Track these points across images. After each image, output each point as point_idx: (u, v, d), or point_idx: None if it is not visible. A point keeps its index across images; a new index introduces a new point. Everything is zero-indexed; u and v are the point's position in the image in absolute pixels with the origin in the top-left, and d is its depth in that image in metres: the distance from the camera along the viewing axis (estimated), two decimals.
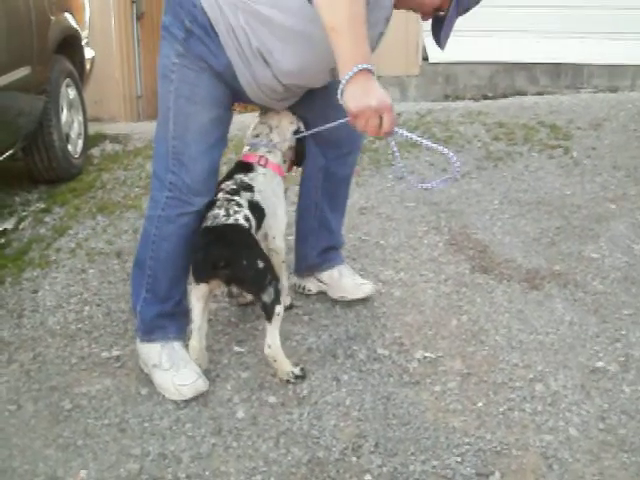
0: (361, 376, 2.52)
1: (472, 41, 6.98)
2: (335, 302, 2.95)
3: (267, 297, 2.37)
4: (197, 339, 2.52)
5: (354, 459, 2.16)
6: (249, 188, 2.55)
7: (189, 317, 2.56)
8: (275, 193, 2.66)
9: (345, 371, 2.55)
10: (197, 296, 2.46)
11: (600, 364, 2.57)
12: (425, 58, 6.72)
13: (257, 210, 2.52)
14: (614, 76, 6.90)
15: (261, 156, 2.65)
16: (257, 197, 2.54)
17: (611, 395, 2.41)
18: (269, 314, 2.39)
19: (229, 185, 2.54)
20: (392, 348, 2.67)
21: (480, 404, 2.38)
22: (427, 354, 2.63)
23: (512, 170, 4.33)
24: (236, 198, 2.47)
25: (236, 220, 2.40)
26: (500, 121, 5.25)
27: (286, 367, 2.48)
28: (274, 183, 2.66)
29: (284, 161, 2.74)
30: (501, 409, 2.36)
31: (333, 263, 2.96)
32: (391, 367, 2.57)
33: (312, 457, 2.17)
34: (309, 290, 3.02)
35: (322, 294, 3.01)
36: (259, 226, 2.56)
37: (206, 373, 2.52)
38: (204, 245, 2.38)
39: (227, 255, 2.35)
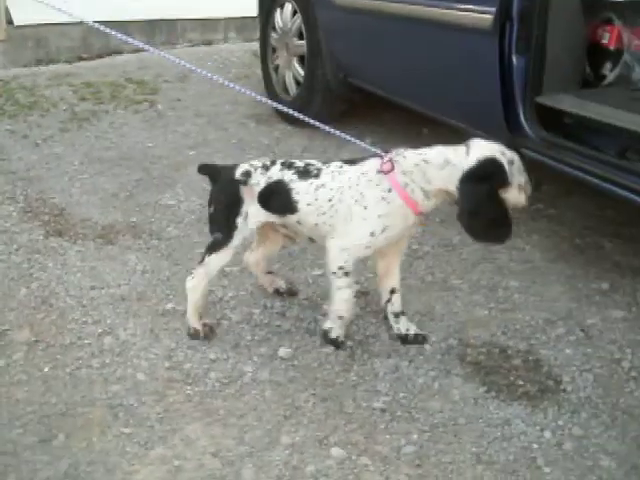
0: None
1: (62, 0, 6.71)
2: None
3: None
4: None
5: None
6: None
7: None
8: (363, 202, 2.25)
9: None
10: None
11: (170, 306, 2.62)
12: (10, 22, 6.31)
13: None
14: (207, 30, 7.12)
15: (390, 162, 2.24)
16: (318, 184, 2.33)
17: (179, 334, 2.48)
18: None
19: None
20: None
21: (46, 369, 2.31)
22: None
23: (96, 129, 4.27)
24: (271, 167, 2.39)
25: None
26: (88, 81, 5.16)
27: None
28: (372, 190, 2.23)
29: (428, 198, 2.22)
30: (68, 370, 2.31)
31: None
32: None
33: None
34: None
35: None
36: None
37: None
38: None
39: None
